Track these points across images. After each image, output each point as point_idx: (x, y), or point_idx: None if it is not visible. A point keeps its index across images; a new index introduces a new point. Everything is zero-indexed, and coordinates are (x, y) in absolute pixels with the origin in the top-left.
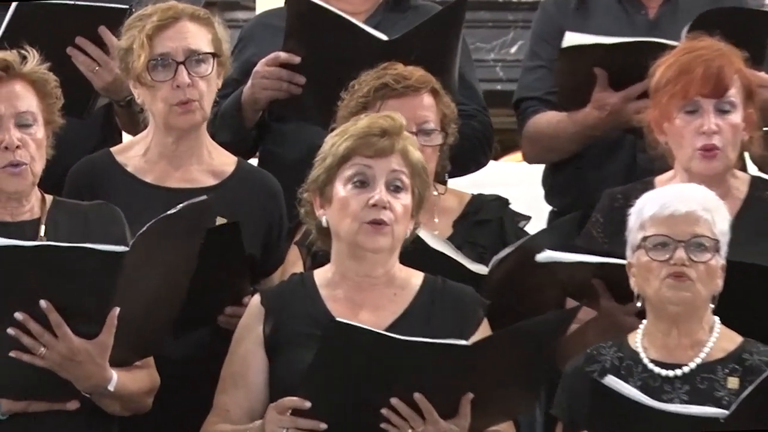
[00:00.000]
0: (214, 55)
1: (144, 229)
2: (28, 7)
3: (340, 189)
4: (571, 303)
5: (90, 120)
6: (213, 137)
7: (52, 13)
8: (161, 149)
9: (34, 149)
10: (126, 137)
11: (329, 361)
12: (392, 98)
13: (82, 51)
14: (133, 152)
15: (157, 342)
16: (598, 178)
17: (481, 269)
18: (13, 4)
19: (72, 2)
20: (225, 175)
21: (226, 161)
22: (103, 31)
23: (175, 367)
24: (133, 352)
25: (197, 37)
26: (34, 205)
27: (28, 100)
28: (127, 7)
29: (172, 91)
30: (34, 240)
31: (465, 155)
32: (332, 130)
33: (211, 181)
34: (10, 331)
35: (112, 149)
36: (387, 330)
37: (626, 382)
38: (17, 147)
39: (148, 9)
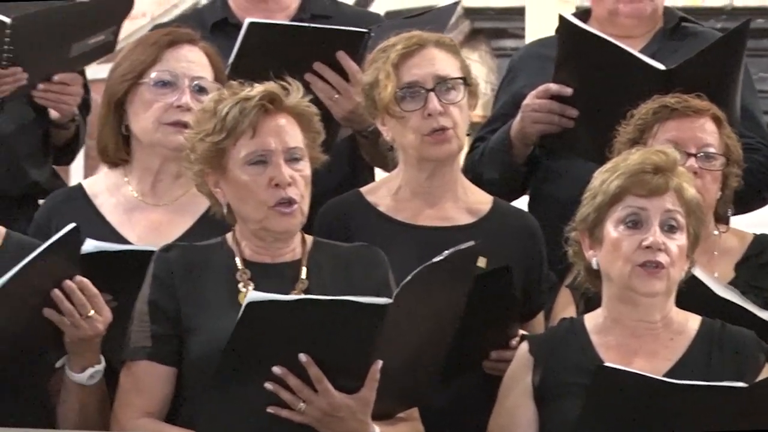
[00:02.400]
0: (464, 80)
1: (409, 278)
2: (261, 28)
3: (612, 230)
4: None
5: (334, 153)
6: (480, 174)
7: (287, 35)
8: (414, 187)
9: (303, 186)
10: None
11: (600, 409)
12: (671, 119)
13: (320, 77)
14: (383, 192)
15: (422, 392)
16: None
17: None
18: (245, 24)
19: (308, 24)
20: (481, 213)
21: (482, 200)
22: (342, 57)
23: (437, 416)
24: (396, 404)
25: (445, 63)
26: (296, 245)
27: (295, 135)
28: (367, 30)
29: (423, 121)
30: (295, 281)
31: (748, 191)
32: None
33: (467, 219)
34: (268, 385)
35: (362, 189)
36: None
37: None
38: (288, 184)
39: (391, 39)
